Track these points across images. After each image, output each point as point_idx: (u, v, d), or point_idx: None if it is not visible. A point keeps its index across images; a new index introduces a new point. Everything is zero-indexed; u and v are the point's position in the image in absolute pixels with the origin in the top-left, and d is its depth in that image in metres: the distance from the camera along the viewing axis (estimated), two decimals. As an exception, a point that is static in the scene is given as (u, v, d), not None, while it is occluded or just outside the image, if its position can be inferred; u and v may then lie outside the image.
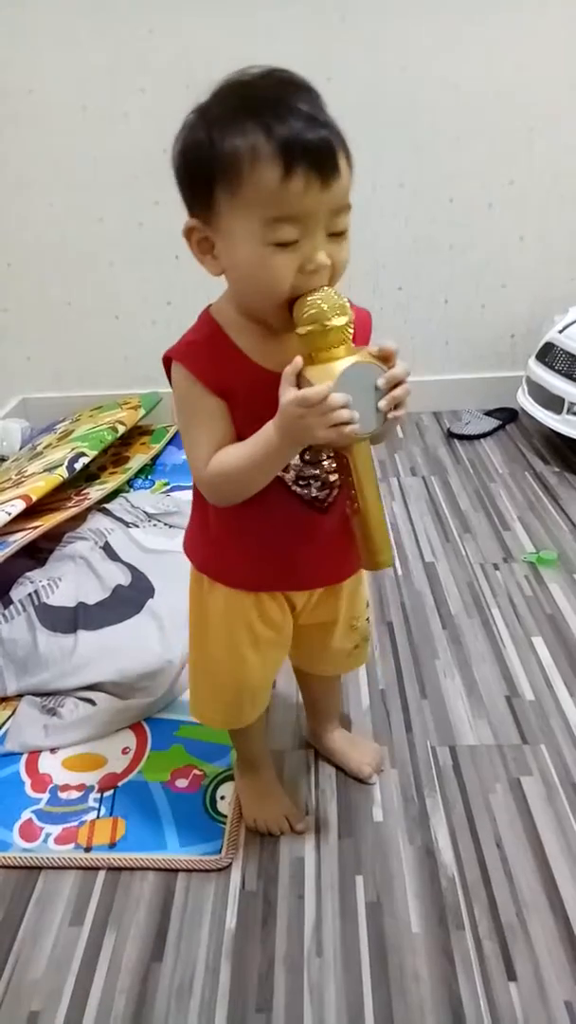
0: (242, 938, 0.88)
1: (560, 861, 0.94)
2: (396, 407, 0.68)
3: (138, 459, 2.09)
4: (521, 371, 2.15)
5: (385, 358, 0.68)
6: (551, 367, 1.98)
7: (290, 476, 0.80)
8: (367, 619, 1.01)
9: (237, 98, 0.67)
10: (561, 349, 1.95)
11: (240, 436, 0.75)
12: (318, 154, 0.64)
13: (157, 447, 2.17)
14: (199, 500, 0.86)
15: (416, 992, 0.81)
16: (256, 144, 0.63)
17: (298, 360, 0.67)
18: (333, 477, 0.81)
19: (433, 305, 2.31)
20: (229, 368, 0.74)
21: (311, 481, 0.81)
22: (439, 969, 0.83)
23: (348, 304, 0.68)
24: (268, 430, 0.70)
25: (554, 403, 1.95)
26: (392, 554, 0.75)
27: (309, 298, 0.66)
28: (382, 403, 0.67)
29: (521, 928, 0.86)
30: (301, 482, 0.80)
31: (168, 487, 2.00)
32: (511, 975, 0.82)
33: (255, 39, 1.91)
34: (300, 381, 0.67)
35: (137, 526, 1.71)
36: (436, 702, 1.22)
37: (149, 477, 2.07)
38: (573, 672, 1.26)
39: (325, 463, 0.80)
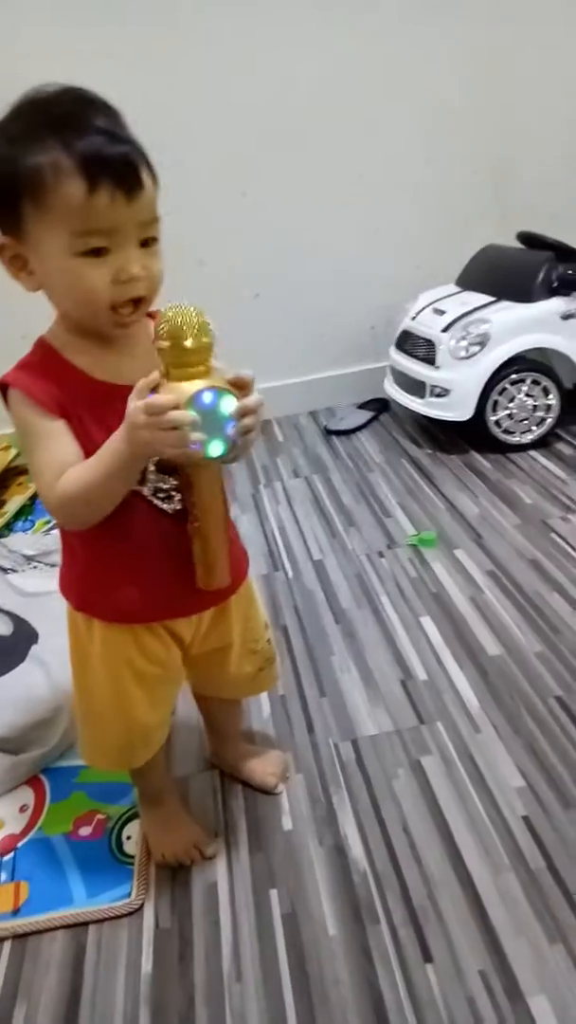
0: (160, 980, 0.85)
1: (464, 834, 0.95)
2: (246, 433, 0.69)
3: (15, 501, 2.01)
4: (385, 361, 2.20)
5: (241, 387, 0.69)
6: (410, 354, 2.04)
7: (148, 489, 0.78)
8: (268, 640, 0.99)
9: (36, 114, 0.68)
10: (416, 335, 2.01)
11: (89, 455, 0.73)
12: (119, 169, 0.66)
13: (34, 486, 2.09)
14: (66, 533, 0.84)
15: (337, 996, 0.80)
16: (57, 160, 0.65)
17: (155, 374, 0.67)
18: None
19: (292, 307, 2.33)
20: (66, 386, 0.73)
21: (171, 492, 0.79)
22: (358, 967, 0.83)
23: (208, 324, 0.67)
24: (114, 440, 0.69)
25: (417, 388, 2.00)
26: (225, 577, 0.76)
27: (168, 313, 0.66)
28: (230, 431, 0.68)
29: (433, 908, 0.87)
30: (160, 495, 0.79)
31: (49, 525, 1.93)
32: (427, 957, 0.83)
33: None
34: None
35: (16, 571, 1.64)
36: (335, 698, 1.23)
37: (29, 518, 1.99)
38: (460, 646, 1.29)
39: (181, 487, 0.78)
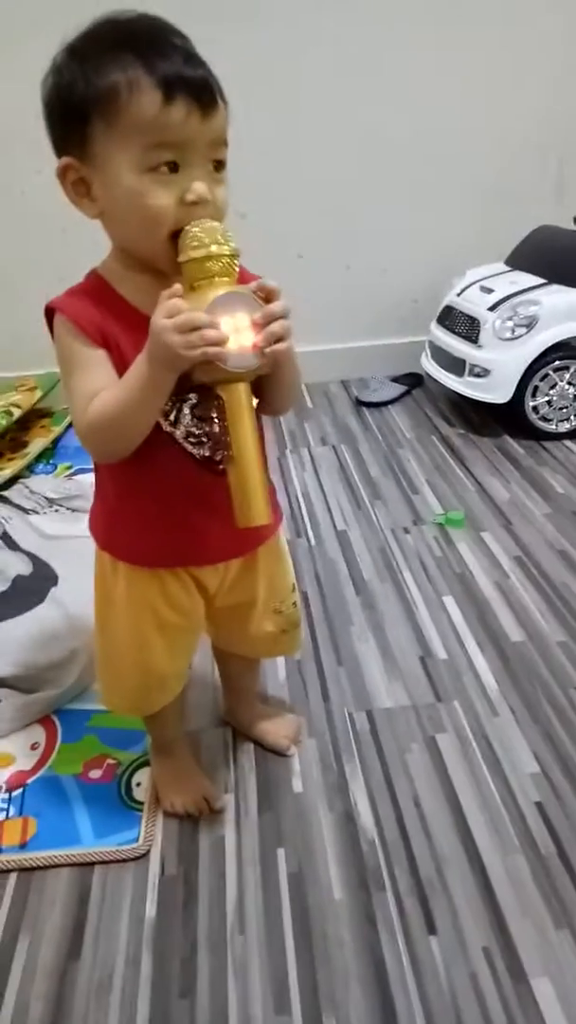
0: (163, 925, 0.86)
1: (475, 813, 0.95)
2: (276, 344, 0.66)
3: (37, 443, 1.99)
4: (424, 335, 2.16)
5: (266, 296, 0.67)
6: (451, 330, 2.00)
7: (180, 432, 0.76)
8: (294, 604, 0.98)
9: (115, 34, 0.67)
10: (460, 312, 1.97)
11: None
12: (197, 87, 0.65)
13: (58, 429, 2.07)
14: (99, 471, 0.83)
15: (340, 958, 0.81)
16: (135, 76, 0.64)
17: (177, 286, 0.65)
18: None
19: (334, 272, 2.28)
20: (112, 317, 0.72)
21: (203, 439, 0.77)
22: (362, 932, 0.83)
23: (231, 237, 0.66)
24: (139, 359, 0.68)
25: (456, 366, 1.97)
26: (267, 509, 0.70)
27: (191, 229, 0.65)
28: (258, 338, 0.65)
29: (440, 882, 0.87)
30: (192, 439, 0.77)
31: (71, 470, 1.92)
32: (431, 929, 0.83)
33: None
34: None
35: (37, 512, 1.63)
36: (352, 668, 1.22)
37: (51, 461, 1.98)
38: (483, 628, 1.28)
39: (216, 418, 0.76)
